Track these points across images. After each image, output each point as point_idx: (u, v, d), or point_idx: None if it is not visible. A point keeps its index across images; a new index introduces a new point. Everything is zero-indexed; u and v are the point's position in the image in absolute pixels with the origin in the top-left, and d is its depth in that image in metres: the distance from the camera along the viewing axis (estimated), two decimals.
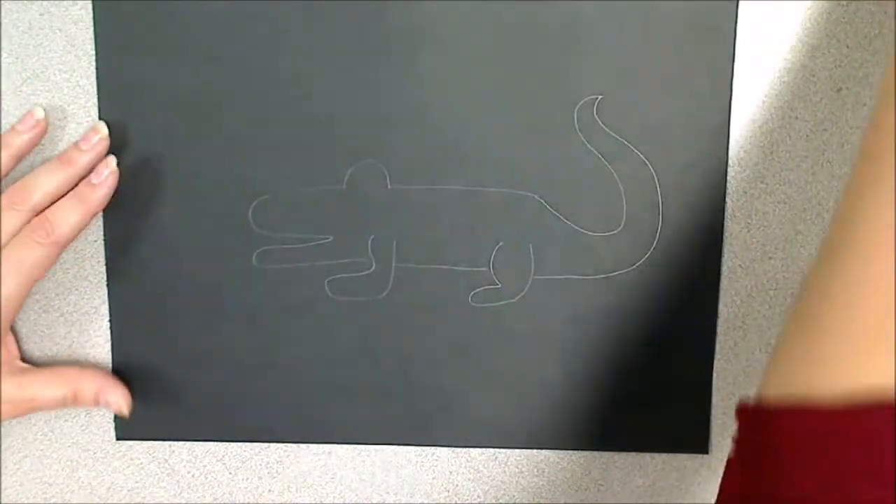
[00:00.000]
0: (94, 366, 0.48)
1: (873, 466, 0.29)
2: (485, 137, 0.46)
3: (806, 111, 0.46)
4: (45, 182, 0.44)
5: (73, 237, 0.44)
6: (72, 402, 0.46)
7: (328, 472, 0.49)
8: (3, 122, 0.46)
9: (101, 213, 0.47)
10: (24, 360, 0.48)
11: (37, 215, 0.44)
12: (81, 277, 0.47)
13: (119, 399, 0.46)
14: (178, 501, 0.50)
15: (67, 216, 0.44)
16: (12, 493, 0.49)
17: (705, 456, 0.48)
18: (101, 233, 0.47)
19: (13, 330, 0.47)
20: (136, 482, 0.49)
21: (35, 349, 0.48)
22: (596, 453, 0.49)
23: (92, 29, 0.45)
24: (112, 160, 0.45)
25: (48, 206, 0.44)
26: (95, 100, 0.46)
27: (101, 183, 0.44)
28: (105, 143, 0.45)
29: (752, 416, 0.33)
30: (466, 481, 0.49)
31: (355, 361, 0.48)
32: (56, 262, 0.45)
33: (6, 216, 0.43)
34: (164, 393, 0.48)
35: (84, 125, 0.46)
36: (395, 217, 0.46)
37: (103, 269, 0.47)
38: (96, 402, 0.46)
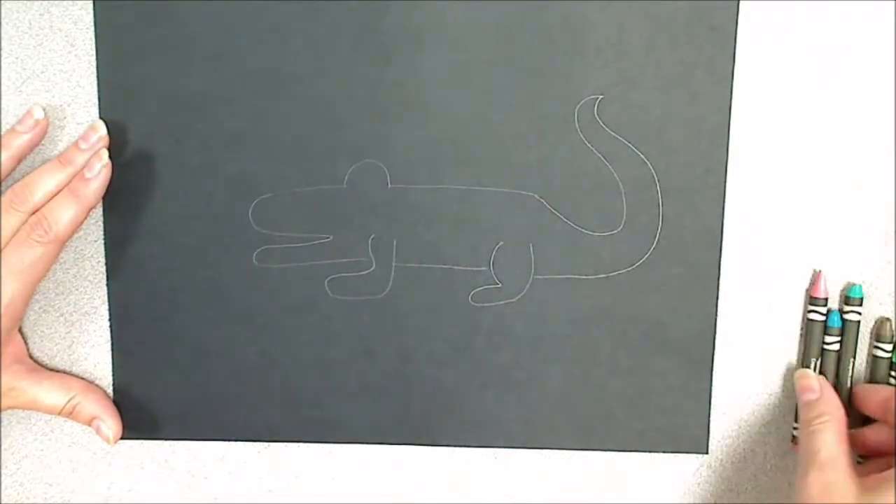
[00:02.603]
0: (98, 387, 0.48)
1: None
2: (485, 137, 0.46)
3: (806, 111, 0.46)
4: (46, 182, 0.44)
5: (72, 233, 0.44)
6: (67, 414, 0.46)
7: (328, 472, 0.49)
8: (3, 122, 0.46)
9: (101, 213, 0.47)
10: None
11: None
12: (81, 277, 0.47)
13: (110, 431, 0.47)
14: (178, 501, 0.50)
15: (64, 212, 0.44)
16: (12, 493, 0.49)
17: (705, 456, 0.48)
18: (101, 233, 0.47)
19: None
20: (136, 482, 0.49)
21: (35, 349, 0.48)
22: (596, 453, 0.49)
23: (92, 29, 0.45)
24: (104, 153, 0.45)
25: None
26: (95, 100, 0.46)
27: (95, 177, 0.44)
28: (104, 142, 0.45)
29: None
30: (466, 481, 0.49)
31: (355, 361, 0.48)
32: (57, 260, 0.45)
33: (7, 217, 0.43)
34: (164, 393, 0.48)
35: (84, 125, 0.46)
36: (395, 217, 0.46)
37: (103, 269, 0.47)
38: (89, 424, 0.47)
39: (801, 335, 0.47)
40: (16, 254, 0.43)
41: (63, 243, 0.44)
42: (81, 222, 0.45)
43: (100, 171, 0.44)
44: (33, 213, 0.44)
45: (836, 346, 0.47)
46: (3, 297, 0.43)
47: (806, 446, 0.44)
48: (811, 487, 0.42)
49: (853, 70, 0.46)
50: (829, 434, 0.43)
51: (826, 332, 0.47)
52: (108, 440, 0.47)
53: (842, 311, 0.47)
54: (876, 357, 0.47)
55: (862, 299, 0.46)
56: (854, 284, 0.47)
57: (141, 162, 0.46)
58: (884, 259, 0.47)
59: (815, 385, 0.46)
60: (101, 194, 0.45)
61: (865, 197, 0.47)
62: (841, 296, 0.47)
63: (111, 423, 0.47)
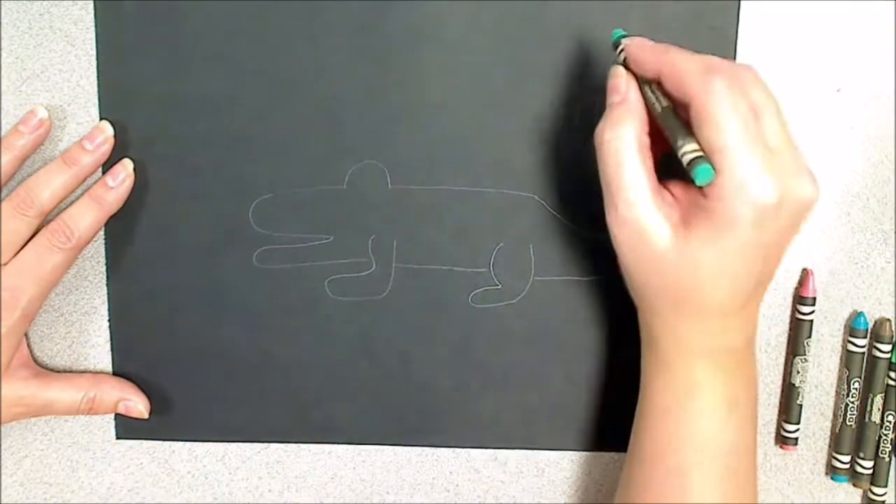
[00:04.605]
0: (105, 373, 0.48)
1: None
2: (485, 137, 0.46)
3: (806, 111, 0.46)
4: (51, 183, 0.44)
5: (91, 240, 0.44)
6: (86, 409, 0.46)
7: (328, 472, 0.49)
8: (3, 122, 0.46)
9: None
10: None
11: (47, 218, 0.44)
12: (81, 277, 0.47)
13: (140, 406, 0.47)
14: (178, 501, 0.50)
15: (85, 219, 0.44)
16: (12, 493, 0.49)
17: None
18: (102, 233, 0.47)
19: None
20: (136, 482, 0.49)
21: (35, 349, 0.48)
22: (596, 453, 0.49)
23: (92, 29, 0.45)
24: (129, 163, 0.45)
25: (55, 208, 0.44)
26: (95, 100, 0.46)
27: (118, 186, 0.44)
28: (110, 144, 0.45)
29: None
30: (466, 481, 0.49)
31: (355, 361, 0.48)
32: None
33: (14, 222, 0.43)
34: (164, 393, 0.48)
35: (84, 125, 0.46)
36: (395, 217, 0.46)
37: (103, 269, 0.47)
38: (116, 409, 0.46)
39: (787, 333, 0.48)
40: (37, 260, 0.43)
41: (82, 250, 0.44)
42: (100, 229, 0.45)
43: (124, 179, 0.44)
44: (43, 215, 0.44)
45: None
46: (22, 301, 0.43)
47: (605, 173, 0.38)
48: (616, 228, 0.38)
49: (853, 70, 0.46)
50: (628, 154, 0.37)
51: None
52: (142, 415, 0.46)
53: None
54: (875, 357, 0.47)
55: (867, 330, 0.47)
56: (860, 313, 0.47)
57: (141, 162, 0.46)
58: (884, 259, 0.47)
59: (621, 86, 0.39)
60: (123, 202, 0.45)
61: (865, 197, 0.47)
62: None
63: (138, 399, 0.47)
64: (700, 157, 0.35)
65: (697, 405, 0.40)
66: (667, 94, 0.38)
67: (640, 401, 0.43)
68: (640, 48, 0.38)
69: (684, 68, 0.36)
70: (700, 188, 0.36)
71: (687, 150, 0.35)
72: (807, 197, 0.36)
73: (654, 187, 0.37)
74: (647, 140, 0.38)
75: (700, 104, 0.35)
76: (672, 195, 0.38)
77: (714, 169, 0.35)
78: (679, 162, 0.36)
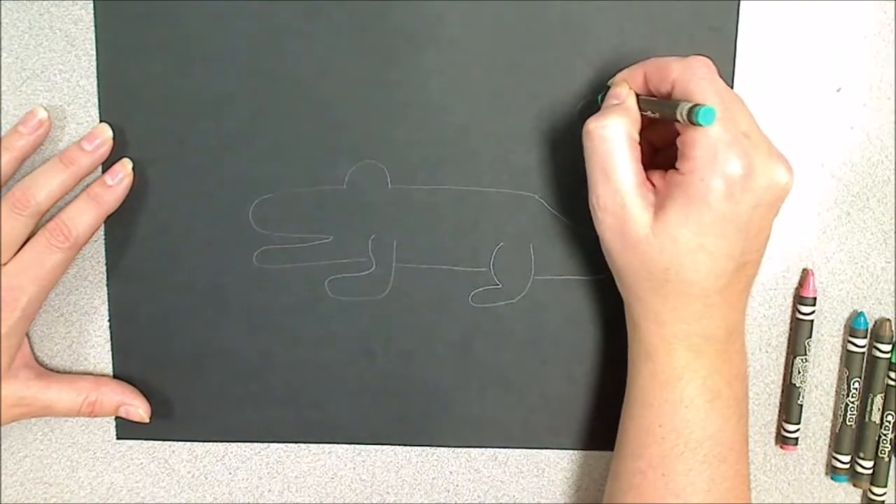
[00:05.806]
0: (107, 377, 0.48)
1: None
2: (485, 137, 0.46)
3: (806, 111, 0.46)
4: (48, 183, 0.43)
5: (89, 239, 0.44)
6: (87, 411, 0.46)
7: (328, 472, 0.49)
8: (3, 122, 0.46)
9: None
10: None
11: (45, 218, 0.44)
12: (81, 277, 0.47)
13: (140, 411, 0.47)
14: (178, 501, 0.50)
15: (83, 219, 0.44)
16: (12, 493, 0.49)
17: None
18: (102, 233, 0.47)
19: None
20: (136, 482, 0.49)
21: (35, 349, 0.48)
22: (596, 453, 0.49)
23: (92, 29, 0.45)
24: (128, 163, 0.45)
25: (52, 207, 0.44)
26: (95, 100, 0.46)
27: (117, 184, 0.44)
28: (108, 146, 0.45)
29: None
30: (466, 481, 0.49)
31: (355, 361, 0.48)
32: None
33: (12, 223, 0.43)
34: (165, 393, 0.48)
35: (84, 125, 0.46)
36: (395, 217, 0.46)
37: (103, 269, 0.47)
38: (116, 412, 0.46)
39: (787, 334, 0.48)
40: (36, 259, 0.43)
41: (80, 249, 0.44)
42: (98, 228, 0.45)
43: (122, 178, 0.44)
44: (39, 215, 0.44)
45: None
46: (22, 301, 0.43)
47: (592, 160, 0.40)
48: (600, 213, 0.40)
49: (853, 70, 0.46)
50: (617, 142, 0.39)
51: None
52: (143, 420, 0.47)
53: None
54: (875, 357, 0.47)
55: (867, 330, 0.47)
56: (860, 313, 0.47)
57: (141, 162, 0.46)
58: (884, 259, 0.47)
59: (622, 94, 0.41)
60: (121, 201, 0.45)
61: (865, 197, 0.47)
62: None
63: (139, 403, 0.47)
64: (699, 104, 0.37)
65: (678, 395, 0.41)
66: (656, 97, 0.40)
67: (625, 395, 0.44)
68: (624, 70, 0.42)
69: (665, 59, 0.40)
70: (676, 169, 0.38)
71: (686, 104, 0.37)
72: (778, 179, 0.38)
73: (639, 175, 0.39)
74: (636, 136, 0.40)
75: (684, 82, 0.38)
76: (653, 184, 0.40)
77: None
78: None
